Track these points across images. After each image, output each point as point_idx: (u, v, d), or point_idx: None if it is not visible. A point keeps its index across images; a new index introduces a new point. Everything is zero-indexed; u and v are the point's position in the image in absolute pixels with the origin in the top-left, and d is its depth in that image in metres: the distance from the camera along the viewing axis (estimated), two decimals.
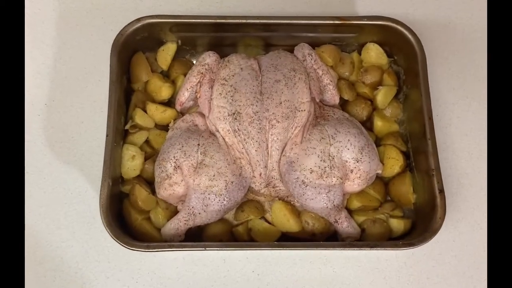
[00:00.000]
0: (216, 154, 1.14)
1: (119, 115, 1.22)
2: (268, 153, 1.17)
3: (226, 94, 1.18)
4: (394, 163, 1.25)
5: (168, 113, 1.29)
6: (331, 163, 1.14)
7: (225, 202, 1.13)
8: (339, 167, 1.14)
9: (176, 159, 1.14)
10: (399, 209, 1.24)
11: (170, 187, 1.15)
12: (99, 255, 1.22)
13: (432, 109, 1.21)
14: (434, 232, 1.12)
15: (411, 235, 1.20)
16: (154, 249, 1.09)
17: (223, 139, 1.17)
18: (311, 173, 1.13)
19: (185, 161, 1.13)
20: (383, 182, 1.27)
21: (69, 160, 1.30)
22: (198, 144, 1.15)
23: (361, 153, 1.16)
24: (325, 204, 1.14)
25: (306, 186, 1.14)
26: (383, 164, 1.23)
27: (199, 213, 1.14)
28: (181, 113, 1.30)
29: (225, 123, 1.17)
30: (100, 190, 1.11)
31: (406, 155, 1.28)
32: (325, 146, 1.15)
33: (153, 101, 1.30)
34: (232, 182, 1.13)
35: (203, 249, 1.08)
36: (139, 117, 1.27)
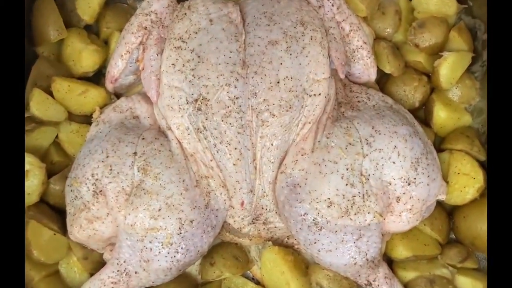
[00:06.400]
0: (165, 171, 0.89)
1: None
2: (256, 169, 0.93)
3: (184, 65, 0.93)
4: (467, 182, 0.99)
5: (92, 95, 1.03)
6: (365, 189, 0.88)
7: (178, 256, 0.87)
8: (377, 194, 0.89)
9: (97, 179, 0.89)
10: (472, 259, 1.01)
11: (89, 224, 0.90)
12: None
13: None
14: None
15: None
16: None
17: (179, 143, 0.93)
18: (329, 206, 0.87)
19: (110, 182, 0.88)
20: (446, 213, 1.04)
21: None
22: (135, 153, 0.90)
23: (415, 169, 0.89)
24: (352, 260, 0.88)
25: (321, 229, 0.88)
26: (447, 183, 0.99)
27: (136, 272, 0.88)
28: (115, 96, 1.08)
29: (182, 116, 0.92)
30: None
31: (486, 168, 1.05)
32: (355, 158, 0.90)
33: (69, 75, 1.07)
34: (191, 222, 0.87)
35: None
36: (38, 104, 0.99)
